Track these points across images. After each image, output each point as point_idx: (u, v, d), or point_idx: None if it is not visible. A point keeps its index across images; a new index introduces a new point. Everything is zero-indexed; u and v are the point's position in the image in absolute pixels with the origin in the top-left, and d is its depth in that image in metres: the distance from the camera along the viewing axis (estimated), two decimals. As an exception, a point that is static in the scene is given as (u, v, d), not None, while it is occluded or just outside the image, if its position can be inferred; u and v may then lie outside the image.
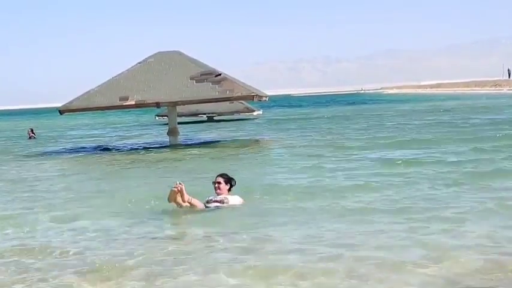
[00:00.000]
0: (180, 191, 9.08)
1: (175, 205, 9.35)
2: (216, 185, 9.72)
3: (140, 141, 27.74)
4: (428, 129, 23.94)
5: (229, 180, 9.83)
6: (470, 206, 8.96)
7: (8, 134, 42.05)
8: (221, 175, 9.88)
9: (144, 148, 23.14)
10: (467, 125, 25.43)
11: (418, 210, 8.81)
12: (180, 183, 9.10)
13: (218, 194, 9.66)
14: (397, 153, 16.16)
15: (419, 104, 54.20)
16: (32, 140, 32.58)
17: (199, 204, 9.41)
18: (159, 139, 26.79)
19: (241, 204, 9.71)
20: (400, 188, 10.80)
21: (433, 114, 35.06)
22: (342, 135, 23.83)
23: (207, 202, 9.62)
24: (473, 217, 8.24)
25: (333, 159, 15.74)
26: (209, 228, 8.31)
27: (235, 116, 42.18)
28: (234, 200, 9.71)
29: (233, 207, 9.49)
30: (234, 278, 6.12)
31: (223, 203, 9.54)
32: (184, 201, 9.14)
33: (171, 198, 9.23)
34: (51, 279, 6.38)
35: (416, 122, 29.00)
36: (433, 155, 15.44)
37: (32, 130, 34.81)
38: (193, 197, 9.36)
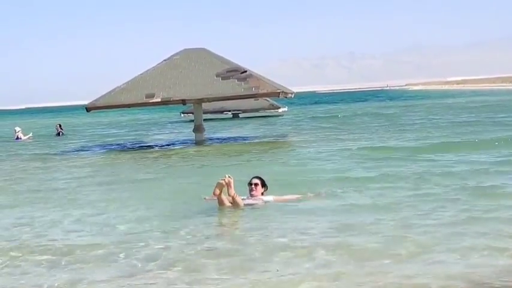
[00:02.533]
0: (228, 184, 8.90)
1: (216, 203, 9.18)
2: (253, 187, 9.53)
3: (166, 138, 27.83)
4: None
5: (265, 184, 9.70)
6: None
7: (38, 131, 42.34)
8: (258, 177, 9.73)
9: (170, 145, 23.20)
10: None
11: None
12: (229, 177, 8.91)
13: (252, 196, 9.49)
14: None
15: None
16: (61, 136, 32.70)
17: (241, 202, 9.19)
18: (185, 136, 26.85)
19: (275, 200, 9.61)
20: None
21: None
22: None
23: None
24: None
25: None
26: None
27: (261, 113, 42.14)
28: (268, 200, 9.58)
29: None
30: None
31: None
32: (230, 195, 8.94)
33: (218, 189, 8.98)
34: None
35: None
36: None
37: (60, 126, 34.65)
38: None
